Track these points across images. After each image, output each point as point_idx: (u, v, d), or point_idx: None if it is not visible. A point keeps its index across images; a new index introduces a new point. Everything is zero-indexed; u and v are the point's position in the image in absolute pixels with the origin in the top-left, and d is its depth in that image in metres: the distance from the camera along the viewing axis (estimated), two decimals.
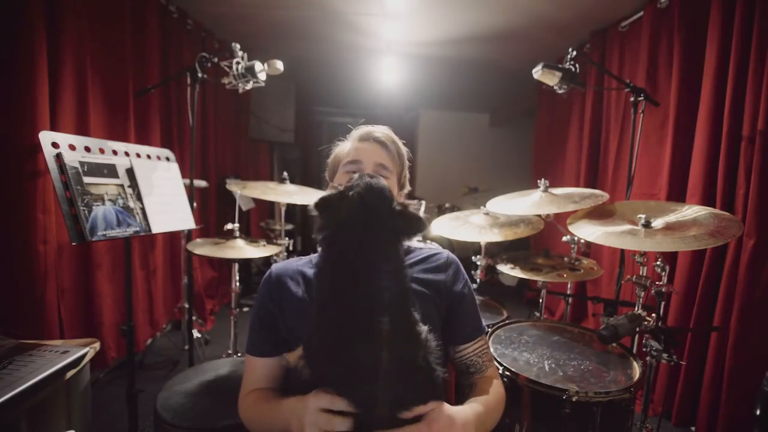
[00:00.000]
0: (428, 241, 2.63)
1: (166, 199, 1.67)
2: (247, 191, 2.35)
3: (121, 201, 1.44)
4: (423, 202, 2.91)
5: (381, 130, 1.02)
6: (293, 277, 0.98)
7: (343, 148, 1.03)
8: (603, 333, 1.28)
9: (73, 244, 1.27)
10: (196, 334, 2.71)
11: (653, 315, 1.41)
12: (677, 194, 2.30)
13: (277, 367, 0.98)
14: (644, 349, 1.42)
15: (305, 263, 1.02)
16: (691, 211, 1.50)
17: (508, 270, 2.05)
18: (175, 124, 3.04)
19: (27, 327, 1.84)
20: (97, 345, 1.32)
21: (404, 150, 1.05)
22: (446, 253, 1.07)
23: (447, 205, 5.34)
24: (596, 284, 3.16)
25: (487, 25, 3.18)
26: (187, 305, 2.57)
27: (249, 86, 2.29)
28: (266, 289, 0.98)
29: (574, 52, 1.97)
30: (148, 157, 1.66)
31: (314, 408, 0.72)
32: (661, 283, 1.44)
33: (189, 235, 2.61)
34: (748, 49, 1.93)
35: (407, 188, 1.09)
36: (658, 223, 1.48)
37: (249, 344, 0.99)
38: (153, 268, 2.87)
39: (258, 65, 2.21)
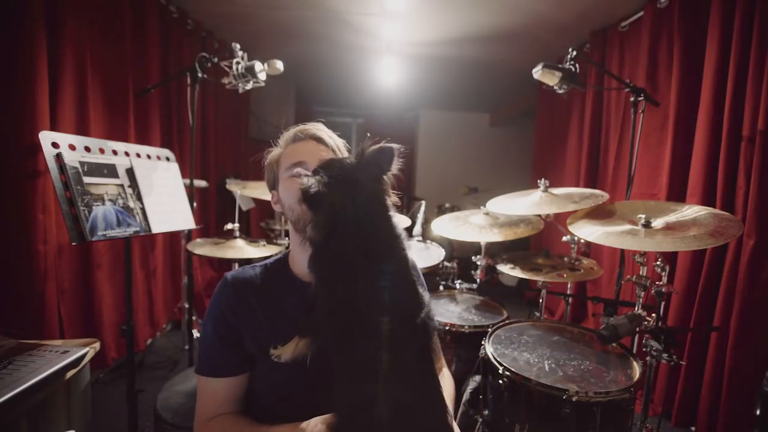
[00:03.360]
0: (428, 241, 2.63)
1: (166, 199, 1.67)
2: (247, 191, 2.35)
3: (121, 201, 1.44)
4: (423, 203, 2.91)
5: (316, 126, 0.96)
6: (254, 285, 0.92)
7: (277, 153, 0.97)
8: (603, 333, 1.28)
9: (73, 244, 1.27)
10: (196, 334, 2.71)
11: (653, 315, 1.41)
12: (677, 194, 2.30)
13: (241, 386, 0.91)
14: (644, 349, 1.42)
15: (261, 272, 0.96)
16: (691, 211, 1.50)
17: (508, 270, 2.05)
18: (175, 124, 3.04)
19: (27, 327, 1.84)
20: (97, 345, 1.32)
21: (342, 143, 0.98)
22: None
23: (447, 205, 5.35)
24: (596, 284, 3.16)
25: (487, 25, 3.18)
26: (187, 305, 2.57)
27: (249, 86, 2.29)
28: (225, 301, 0.90)
29: (574, 52, 1.98)
30: (148, 157, 1.66)
31: None
32: (661, 283, 1.44)
33: (189, 235, 2.61)
34: (748, 49, 1.93)
35: None
36: (658, 223, 1.48)
37: (205, 365, 0.90)
38: (153, 268, 2.87)
39: (258, 65, 2.21)
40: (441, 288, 2.37)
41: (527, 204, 1.91)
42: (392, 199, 0.79)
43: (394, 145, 0.76)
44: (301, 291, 0.92)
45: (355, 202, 0.72)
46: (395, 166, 0.77)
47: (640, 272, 1.53)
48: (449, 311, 2.04)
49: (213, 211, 3.70)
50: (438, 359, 1.07)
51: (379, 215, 0.75)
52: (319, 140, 0.95)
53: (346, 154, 0.97)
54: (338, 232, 0.73)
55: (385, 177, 0.77)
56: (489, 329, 1.64)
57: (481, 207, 2.23)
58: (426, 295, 0.80)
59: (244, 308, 0.89)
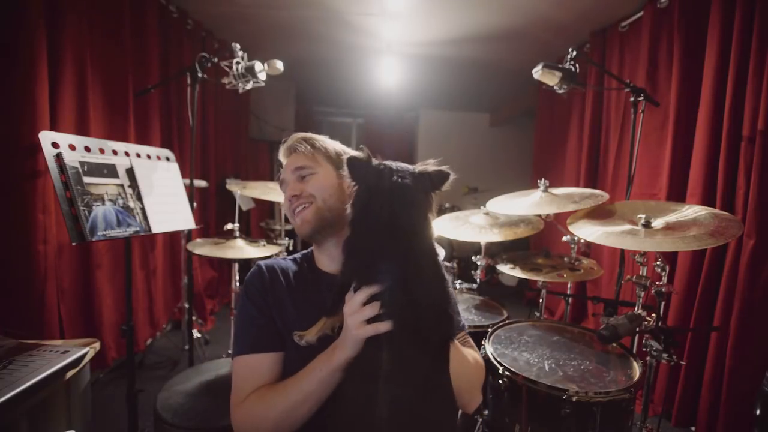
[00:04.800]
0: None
1: (166, 199, 1.67)
2: (247, 191, 2.35)
3: (121, 201, 1.44)
4: None
5: (292, 137, 1.00)
6: (285, 273, 0.97)
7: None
8: (603, 333, 1.28)
9: (73, 244, 1.27)
10: (196, 334, 2.71)
11: (653, 315, 1.41)
12: (677, 194, 2.30)
13: (278, 365, 0.89)
14: (644, 349, 1.42)
15: (290, 262, 1.01)
16: (691, 211, 1.50)
17: (508, 270, 2.05)
18: (175, 124, 3.04)
19: (27, 327, 1.84)
20: (97, 345, 1.32)
21: (322, 139, 1.00)
22: None
23: (447, 205, 5.34)
24: (596, 284, 3.16)
25: (487, 25, 3.18)
26: (187, 305, 2.57)
27: (249, 86, 2.29)
28: (259, 283, 0.94)
29: (574, 52, 1.97)
30: (148, 157, 1.66)
31: (356, 307, 0.74)
32: (661, 283, 1.44)
33: (189, 235, 2.61)
34: (748, 49, 1.93)
35: None
36: (658, 223, 1.48)
37: (243, 345, 0.89)
38: (153, 268, 2.87)
39: (258, 65, 2.21)
40: None
41: (527, 204, 1.91)
42: (432, 216, 0.81)
43: (451, 173, 0.80)
44: (326, 282, 0.95)
45: (394, 194, 0.74)
46: (444, 188, 0.81)
47: (640, 272, 1.53)
48: None
49: (213, 211, 3.70)
50: (467, 347, 1.01)
51: (412, 213, 0.77)
52: (292, 150, 0.98)
53: (334, 151, 0.99)
54: (369, 217, 0.75)
55: (432, 194, 0.80)
56: (489, 329, 1.64)
57: (481, 207, 2.23)
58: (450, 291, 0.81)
59: (274, 292, 0.93)
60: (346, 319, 0.76)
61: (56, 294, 1.99)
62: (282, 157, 1.01)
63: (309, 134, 1.01)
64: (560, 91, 2.03)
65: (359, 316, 0.74)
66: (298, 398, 0.79)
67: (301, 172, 0.95)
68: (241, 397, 0.86)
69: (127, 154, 1.55)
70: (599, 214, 1.67)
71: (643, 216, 1.48)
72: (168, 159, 1.78)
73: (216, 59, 2.24)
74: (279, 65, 2.26)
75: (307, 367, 0.82)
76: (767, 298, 1.83)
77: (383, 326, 0.73)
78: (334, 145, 1.01)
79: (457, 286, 2.31)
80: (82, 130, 2.10)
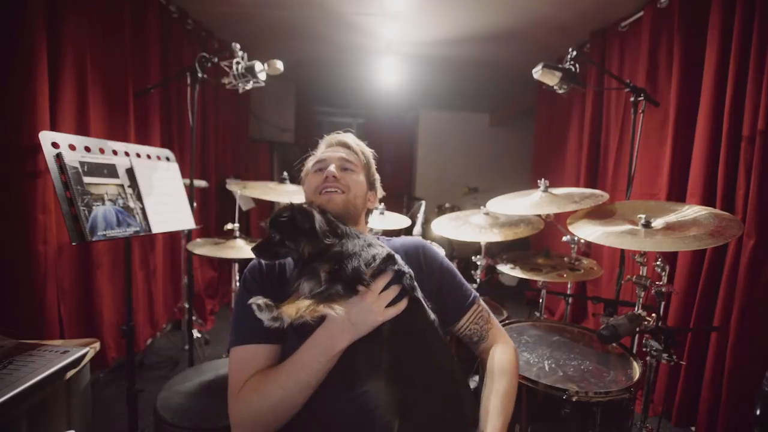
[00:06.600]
0: (428, 241, 2.63)
1: (166, 199, 1.66)
2: (247, 191, 2.35)
3: (121, 201, 1.44)
4: (423, 203, 2.91)
5: (344, 134, 1.13)
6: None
7: (312, 159, 1.11)
8: (603, 333, 1.28)
9: (73, 244, 1.27)
10: (196, 334, 2.71)
11: (653, 315, 1.41)
12: (677, 194, 2.30)
13: (277, 354, 0.90)
14: (644, 349, 1.42)
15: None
16: (691, 211, 1.50)
17: (508, 270, 2.06)
18: (175, 124, 3.04)
19: (27, 327, 1.84)
20: (97, 345, 1.32)
21: (369, 152, 1.14)
22: (410, 239, 1.12)
23: (447, 205, 5.34)
24: (596, 284, 3.16)
25: (487, 25, 3.18)
26: (187, 305, 2.57)
27: (249, 86, 2.29)
28: (257, 276, 0.97)
29: (574, 52, 1.97)
30: (148, 157, 1.66)
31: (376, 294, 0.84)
32: (661, 283, 1.44)
33: (189, 235, 2.61)
34: (748, 49, 1.92)
35: (380, 191, 1.16)
36: (658, 223, 1.48)
37: (240, 335, 0.89)
38: (153, 268, 2.87)
39: (258, 65, 2.21)
40: None
41: (527, 204, 1.91)
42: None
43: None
44: None
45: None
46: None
47: (640, 272, 1.53)
48: None
49: (213, 211, 3.70)
50: (487, 330, 1.09)
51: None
52: (344, 145, 1.10)
53: (372, 164, 1.14)
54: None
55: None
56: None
57: (481, 207, 2.23)
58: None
59: (272, 283, 0.96)
60: (369, 306, 0.83)
61: (56, 294, 1.99)
62: (330, 143, 1.12)
63: (362, 142, 1.15)
64: (560, 91, 2.03)
65: (384, 299, 0.84)
66: (295, 389, 0.82)
67: (346, 164, 1.05)
68: (237, 389, 0.87)
69: (127, 154, 1.55)
70: (599, 214, 1.67)
71: (643, 216, 1.48)
72: (168, 159, 1.78)
73: (216, 59, 2.24)
74: (279, 65, 2.26)
75: (300, 358, 0.83)
76: (767, 299, 1.84)
77: (402, 304, 0.85)
78: (373, 163, 1.15)
79: None
80: (82, 130, 2.10)
